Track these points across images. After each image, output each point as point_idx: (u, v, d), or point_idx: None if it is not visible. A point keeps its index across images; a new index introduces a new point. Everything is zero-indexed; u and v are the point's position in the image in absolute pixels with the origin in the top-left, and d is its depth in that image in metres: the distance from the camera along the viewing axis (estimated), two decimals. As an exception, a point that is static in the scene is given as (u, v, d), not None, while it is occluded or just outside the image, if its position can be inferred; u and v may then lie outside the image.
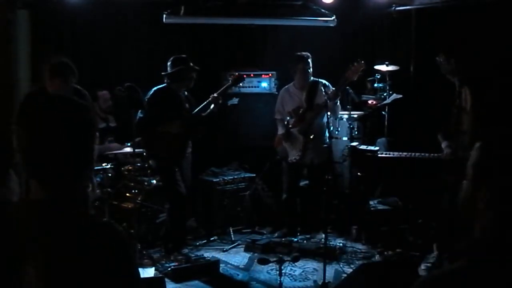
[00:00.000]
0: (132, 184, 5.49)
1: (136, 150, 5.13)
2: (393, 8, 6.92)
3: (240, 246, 5.80)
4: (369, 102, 6.67)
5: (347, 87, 5.89)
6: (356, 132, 6.37)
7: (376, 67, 6.61)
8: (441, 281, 1.29)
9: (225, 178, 6.28)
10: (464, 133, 4.69)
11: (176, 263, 5.07)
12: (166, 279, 4.55)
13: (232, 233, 6.02)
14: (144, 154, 5.51)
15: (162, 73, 5.35)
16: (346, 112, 6.23)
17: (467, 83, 4.66)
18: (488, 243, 1.28)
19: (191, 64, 5.34)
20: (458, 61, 4.64)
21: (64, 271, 1.31)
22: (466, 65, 4.72)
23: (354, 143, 6.09)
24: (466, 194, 1.36)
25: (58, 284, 1.31)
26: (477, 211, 1.31)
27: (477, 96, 4.62)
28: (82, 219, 1.42)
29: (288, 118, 5.82)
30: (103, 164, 5.37)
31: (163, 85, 5.35)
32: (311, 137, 5.64)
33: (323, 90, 5.32)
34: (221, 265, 5.16)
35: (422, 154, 5.21)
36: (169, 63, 5.33)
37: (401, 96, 6.40)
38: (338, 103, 5.80)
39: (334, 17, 6.67)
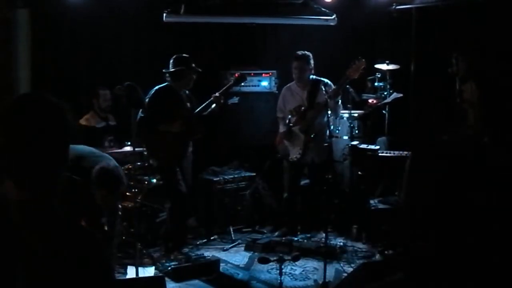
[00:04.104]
0: (132, 183, 5.49)
1: (136, 149, 5.12)
2: (394, 7, 6.89)
3: (240, 245, 5.79)
4: (370, 101, 6.65)
5: (348, 86, 5.88)
6: (356, 131, 6.36)
7: (377, 66, 6.59)
8: None
9: (226, 177, 6.27)
10: (469, 127, 4.67)
11: (176, 262, 5.08)
12: (166, 278, 4.53)
13: (232, 232, 6.01)
14: (145, 153, 5.50)
15: (163, 70, 5.34)
16: (347, 111, 6.21)
17: (474, 77, 4.65)
18: (426, 259, 1.26)
19: (193, 65, 5.32)
20: (462, 58, 4.62)
21: (36, 273, 1.30)
22: (470, 61, 4.70)
23: (355, 142, 6.07)
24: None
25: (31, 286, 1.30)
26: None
27: (484, 90, 4.61)
28: (57, 220, 1.41)
29: (289, 116, 5.81)
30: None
31: (165, 84, 5.33)
32: (312, 135, 5.64)
33: (324, 89, 5.31)
34: (221, 264, 5.16)
35: None
36: (171, 61, 5.31)
37: (401, 95, 6.39)
38: (340, 102, 5.79)
39: (334, 16, 6.68)
